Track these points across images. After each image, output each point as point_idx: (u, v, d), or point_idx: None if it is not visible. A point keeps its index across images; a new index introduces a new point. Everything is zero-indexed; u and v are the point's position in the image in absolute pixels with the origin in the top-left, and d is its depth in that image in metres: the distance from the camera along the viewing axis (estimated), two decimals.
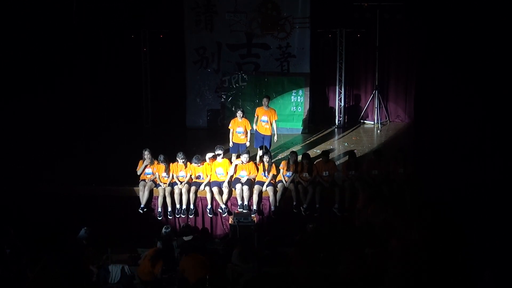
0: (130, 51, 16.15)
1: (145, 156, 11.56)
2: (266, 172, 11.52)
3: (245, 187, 11.35)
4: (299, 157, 11.72)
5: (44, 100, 15.01)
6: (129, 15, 15.94)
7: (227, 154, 12.37)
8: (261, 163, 11.64)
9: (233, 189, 11.52)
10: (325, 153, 11.75)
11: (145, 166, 11.55)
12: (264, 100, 12.82)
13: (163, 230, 10.45)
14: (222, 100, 15.80)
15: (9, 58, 14.57)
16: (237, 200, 11.46)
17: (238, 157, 12.23)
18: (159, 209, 11.47)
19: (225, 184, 11.44)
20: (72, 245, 10.03)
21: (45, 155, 13.42)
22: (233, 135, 12.54)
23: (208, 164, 11.63)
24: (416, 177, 11.41)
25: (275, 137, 12.74)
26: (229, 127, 12.64)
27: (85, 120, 15.77)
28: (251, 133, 12.67)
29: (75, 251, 9.85)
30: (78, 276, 9.53)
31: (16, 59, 14.71)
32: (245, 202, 11.40)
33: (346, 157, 12.01)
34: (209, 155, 11.68)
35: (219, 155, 11.55)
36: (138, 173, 11.59)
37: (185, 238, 10.47)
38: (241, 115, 12.50)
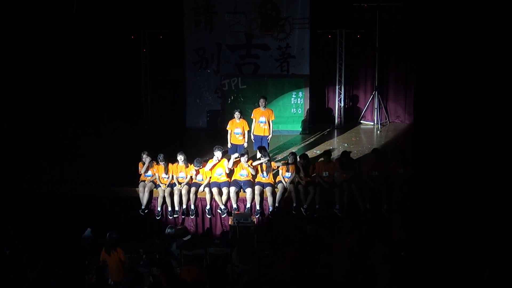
0: (130, 51, 16.14)
1: (144, 159, 11.55)
2: (265, 173, 11.51)
3: (248, 190, 11.34)
4: (298, 158, 11.71)
5: (44, 100, 15.03)
6: (129, 15, 15.95)
7: (226, 155, 12.35)
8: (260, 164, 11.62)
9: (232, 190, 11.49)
10: (327, 153, 11.73)
11: (147, 168, 11.54)
12: (262, 101, 12.82)
13: (167, 230, 10.45)
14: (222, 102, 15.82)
15: (9, 58, 14.61)
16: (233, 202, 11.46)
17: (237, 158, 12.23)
18: (159, 209, 11.46)
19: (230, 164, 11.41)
20: (72, 245, 10.02)
21: (45, 155, 13.42)
22: (231, 136, 12.54)
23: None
24: (416, 178, 11.41)
25: (269, 136, 12.76)
26: (227, 128, 12.65)
27: (85, 120, 15.78)
28: (249, 136, 12.67)
29: (76, 252, 9.84)
30: (77, 277, 9.50)
31: (16, 59, 14.75)
32: (247, 205, 11.39)
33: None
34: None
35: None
36: (142, 176, 11.61)
37: (185, 239, 10.47)
38: (239, 116, 12.49)
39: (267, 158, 11.50)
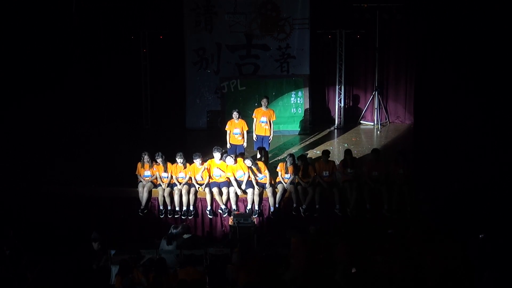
0: (130, 52, 16.13)
1: (145, 160, 11.53)
2: (259, 175, 11.49)
3: (249, 190, 11.33)
4: (297, 159, 11.71)
5: (44, 100, 15.02)
6: (129, 15, 15.95)
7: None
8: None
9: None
10: (326, 153, 11.69)
11: (144, 168, 11.55)
12: (264, 101, 12.83)
13: (171, 229, 10.43)
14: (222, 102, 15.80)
15: (9, 59, 14.59)
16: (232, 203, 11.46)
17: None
18: (158, 209, 11.45)
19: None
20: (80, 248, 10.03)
21: (45, 156, 13.42)
22: (230, 137, 12.54)
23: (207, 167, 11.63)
24: (416, 178, 11.41)
25: (271, 137, 12.76)
26: (225, 129, 12.65)
27: (85, 120, 15.77)
28: (249, 136, 12.66)
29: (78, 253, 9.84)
30: (78, 278, 9.50)
31: (16, 60, 14.73)
32: (249, 206, 11.38)
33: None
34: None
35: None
36: (139, 178, 11.61)
37: (185, 236, 10.47)
38: (237, 116, 12.49)
39: (265, 159, 11.46)
